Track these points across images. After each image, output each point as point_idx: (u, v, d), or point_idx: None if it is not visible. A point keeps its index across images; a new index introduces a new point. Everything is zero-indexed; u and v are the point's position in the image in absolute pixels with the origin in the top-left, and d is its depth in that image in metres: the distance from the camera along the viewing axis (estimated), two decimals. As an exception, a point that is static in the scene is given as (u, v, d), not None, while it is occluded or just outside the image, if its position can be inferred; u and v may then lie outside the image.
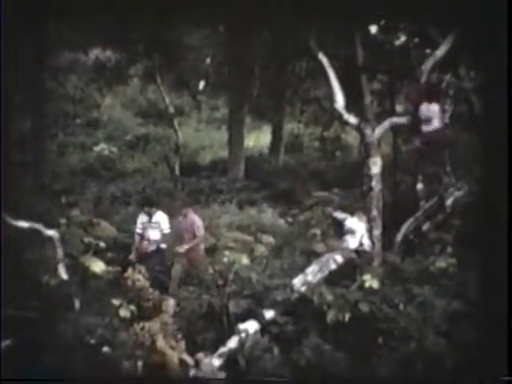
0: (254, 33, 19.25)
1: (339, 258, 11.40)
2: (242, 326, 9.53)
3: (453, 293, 10.20)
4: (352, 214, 12.48)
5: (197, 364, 9.03)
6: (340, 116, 12.94)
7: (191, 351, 9.22)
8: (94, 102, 27.29)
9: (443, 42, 12.72)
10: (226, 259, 10.83)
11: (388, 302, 9.82)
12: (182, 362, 8.96)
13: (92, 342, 8.75)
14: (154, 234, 11.90)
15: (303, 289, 10.23)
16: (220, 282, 10.28)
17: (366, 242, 12.03)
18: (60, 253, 10.08)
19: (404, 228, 12.91)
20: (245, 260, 11.52)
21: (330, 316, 9.53)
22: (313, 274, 10.73)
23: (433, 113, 12.47)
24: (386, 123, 12.98)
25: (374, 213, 12.14)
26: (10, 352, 8.57)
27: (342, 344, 9.36)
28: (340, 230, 12.46)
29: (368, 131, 12.46)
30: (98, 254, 11.81)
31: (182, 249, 11.74)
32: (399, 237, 12.76)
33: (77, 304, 9.80)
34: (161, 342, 8.88)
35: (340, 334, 9.55)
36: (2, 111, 9.66)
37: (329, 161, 23.36)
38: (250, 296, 10.21)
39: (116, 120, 26.96)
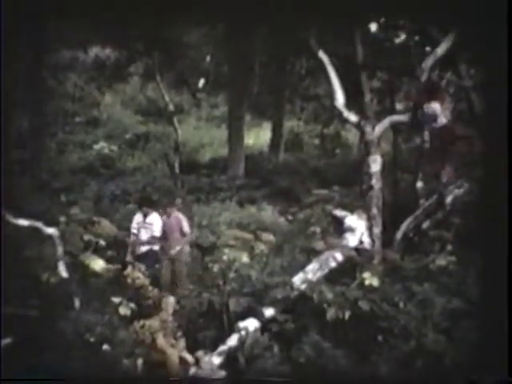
0: (253, 31, 19.24)
1: (339, 256, 11.40)
2: (241, 324, 9.53)
3: (452, 291, 10.20)
4: (352, 211, 12.49)
5: (197, 362, 9.04)
6: (340, 114, 12.95)
7: (191, 349, 9.23)
8: (94, 100, 27.30)
9: (443, 40, 12.70)
10: (225, 257, 10.83)
11: (388, 300, 9.82)
12: (182, 360, 8.97)
13: (92, 339, 8.74)
14: (145, 235, 11.91)
15: (303, 287, 10.23)
16: (220, 280, 10.28)
17: (366, 240, 12.04)
18: (60, 251, 10.07)
19: (404, 226, 12.91)
20: (245, 258, 11.50)
21: (330, 314, 9.53)
22: (313, 271, 10.73)
23: (436, 110, 12.45)
24: (386, 121, 12.98)
25: (374, 211, 12.14)
26: (10, 350, 8.57)
27: (341, 342, 9.36)
28: (340, 227, 12.46)
29: (368, 129, 12.46)
30: (98, 252, 11.81)
31: (175, 251, 11.74)
32: (399, 235, 12.77)
33: (77, 302, 9.79)
34: (161, 340, 8.89)
35: (340, 331, 9.55)
36: (1, 110, 9.65)
37: (329, 159, 23.37)
38: (249, 294, 10.22)
39: (116, 118, 26.95)
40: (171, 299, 9.76)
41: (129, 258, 11.80)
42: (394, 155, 17.14)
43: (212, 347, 9.34)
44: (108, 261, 11.59)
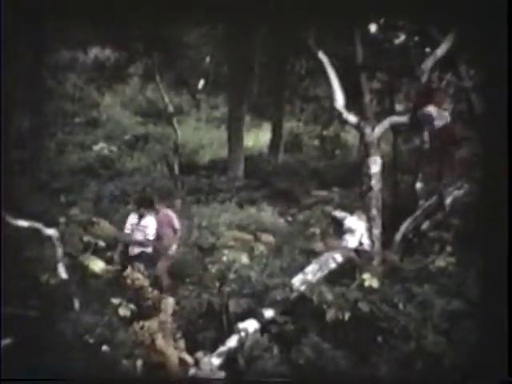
0: (253, 31, 19.24)
1: (339, 257, 11.40)
2: (241, 325, 9.53)
3: (452, 292, 10.20)
4: (351, 213, 12.48)
5: (196, 363, 9.04)
6: (339, 115, 12.95)
7: (191, 350, 9.23)
8: (93, 101, 27.29)
9: (443, 40, 12.70)
10: (225, 258, 10.83)
11: (387, 301, 9.82)
12: (182, 361, 8.97)
13: (91, 340, 8.73)
14: (139, 238, 11.80)
15: (303, 288, 10.23)
16: (219, 281, 10.28)
17: (366, 241, 12.04)
18: (59, 252, 10.06)
19: (403, 227, 12.92)
20: (244, 259, 11.52)
21: (330, 315, 9.53)
22: (312, 273, 10.73)
23: (432, 114, 12.44)
24: (386, 122, 12.98)
25: (374, 212, 12.14)
26: (9, 351, 8.56)
27: (341, 343, 9.36)
28: (339, 229, 12.45)
29: (368, 130, 12.46)
30: (98, 253, 11.79)
31: (172, 251, 11.71)
32: (399, 236, 12.78)
33: (76, 303, 9.78)
34: (160, 341, 8.89)
35: (339, 333, 9.55)
36: (1, 110, 9.64)
37: (328, 160, 23.38)
38: (249, 295, 10.22)
39: (115, 119, 26.93)
40: (171, 300, 9.75)
41: (116, 257, 11.74)
42: (393, 156, 17.14)
43: (211, 348, 9.34)
44: (107, 262, 11.57)
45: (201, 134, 26.54)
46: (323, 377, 8.92)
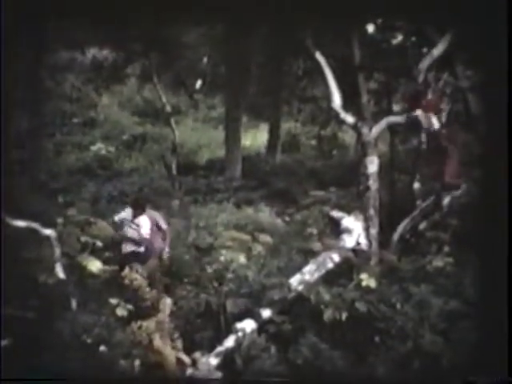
0: (251, 32, 19.24)
1: (336, 257, 11.42)
2: (239, 325, 9.54)
3: (450, 292, 10.21)
4: (349, 213, 12.49)
5: (194, 363, 9.04)
6: (337, 115, 12.97)
7: (188, 350, 9.23)
8: (91, 102, 27.27)
9: (440, 40, 12.72)
10: (223, 258, 10.85)
11: (385, 301, 9.83)
12: (179, 361, 8.96)
13: (89, 341, 8.73)
14: (131, 235, 11.50)
15: (300, 288, 10.24)
16: (217, 281, 10.29)
17: (363, 241, 12.05)
18: (57, 252, 10.05)
19: (401, 227, 12.94)
20: (242, 259, 11.50)
21: (327, 315, 9.54)
22: (310, 272, 10.75)
23: (419, 118, 12.45)
24: (383, 122, 12.99)
25: (371, 212, 12.16)
26: (7, 351, 8.55)
27: (339, 343, 9.36)
28: (337, 229, 12.47)
29: (365, 130, 12.48)
30: (95, 253, 11.78)
31: (166, 252, 11.63)
32: (396, 236, 12.80)
33: (74, 303, 9.78)
34: (158, 341, 8.89)
35: (337, 333, 9.56)
36: (1, 110, 9.65)
37: (326, 160, 23.37)
38: (247, 295, 10.23)
39: (113, 119, 26.92)
40: (168, 300, 9.76)
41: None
42: (390, 156, 17.15)
43: (209, 348, 9.35)
44: (105, 262, 11.56)
45: (198, 134, 26.54)
46: (321, 377, 8.93)
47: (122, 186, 19.24)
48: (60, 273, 9.95)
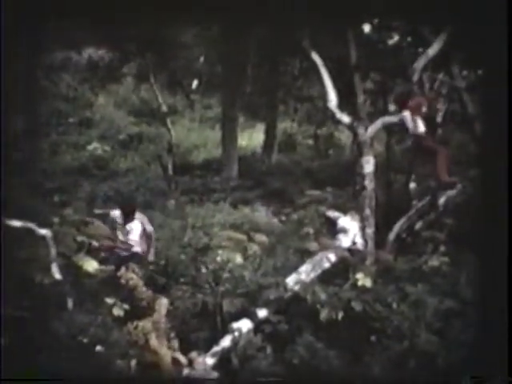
0: (247, 32, 19.23)
1: (332, 257, 11.43)
2: (235, 325, 9.55)
3: (445, 291, 10.24)
4: (345, 212, 12.52)
5: (190, 363, 9.05)
6: (333, 115, 12.97)
7: (184, 350, 9.25)
8: (87, 101, 27.21)
9: (436, 40, 12.72)
10: (219, 258, 10.85)
11: (381, 301, 9.85)
12: (176, 361, 8.98)
13: (85, 341, 8.73)
14: (121, 238, 11.34)
15: (296, 287, 10.26)
16: (213, 281, 10.29)
17: (359, 241, 12.08)
18: (53, 252, 10.04)
19: (397, 227, 12.95)
20: (238, 259, 11.51)
21: (323, 314, 9.56)
22: (306, 272, 10.76)
23: (405, 119, 12.44)
24: (379, 122, 13.00)
25: (367, 211, 12.18)
26: (3, 351, 8.54)
27: (335, 342, 9.38)
28: (333, 228, 12.50)
29: (361, 130, 12.50)
30: (91, 252, 11.77)
31: (152, 256, 11.47)
32: (392, 235, 12.80)
33: (70, 303, 9.77)
34: (154, 341, 8.90)
35: (333, 332, 9.57)
36: (1, 110, 9.66)
37: (322, 160, 23.37)
38: (243, 295, 10.24)
39: (109, 119, 26.86)
40: (164, 300, 9.76)
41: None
42: (386, 156, 17.17)
43: (205, 348, 9.36)
44: (101, 262, 11.54)
45: (195, 134, 26.52)
46: (317, 376, 8.94)
47: (117, 186, 19.20)
48: (56, 273, 9.94)
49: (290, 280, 10.43)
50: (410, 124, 12.27)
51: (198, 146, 25.23)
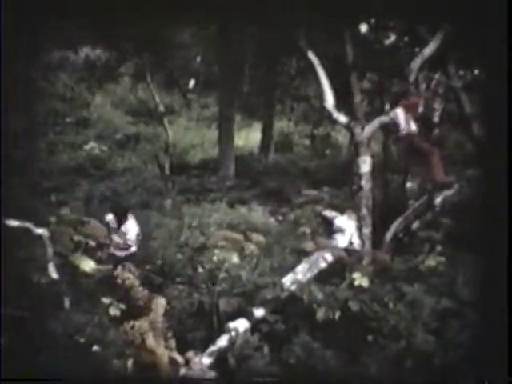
0: (244, 31, 19.24)
1: (329, 257, 11.43)
2: (232, 325, 9.56)
3: (442, 291, 10.24)
4: (342, 212, 12.50)
5: (187, 363, 9.06)
6: (330, 115, 12.98)
7: (181, 350, 9.24)
8: (84, 101, 27.20)
9: (433, 40, 12.73)
10: (216, 258, 10.85)
11: (378, 301, 9.85)
12: (172, 360, 8.98)
13: (82, 340, 8.73)
14: (117, 240, 11.26)
15: (293, 287, 10.25)
16: (210, 281, 10.29)
17: (356, 241, 12.07)
18: (50, 251, 10.03)
19: (393, 227, 12.93)
20: (235, 258, 11.51)
21: (320, 314, 9.56)
22: (303, 272, 10.76)
23: (398, 116, 12.45)
24: (376, 122, 13.00)
25: (364, 211, 12.19)
26: (2, 351, 8.54)
27: (331, 342, 9.39)
28: (330, 228, 12.48)
29: (358, 130, 12.51)
30: (88, 252, 11.76)
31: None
32: (389, 235, 12.79)
33: (67, 303, 9.76)
34: (151, 341, 8.90)
35: (330, 332, 9.58)
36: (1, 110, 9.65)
37: (319, 159, 23.39)
38: (240, 294, 10.24)
39: (106, 119, 26.86)
40: (161, 300, 9.76)
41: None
42: (383, 156, 17.19)
43: (202, 348, 9.36)
44: (98, 261, 11.54)
45: (191, 133, 26.53)
46: (313, 376, 8.95)
47: (114, 186, 19.20)
48: (53, 272, 9.93)
49: (287, 280, 10.43)
50: (401, 121, 12.27)
51: (195, 146, 25.24)
